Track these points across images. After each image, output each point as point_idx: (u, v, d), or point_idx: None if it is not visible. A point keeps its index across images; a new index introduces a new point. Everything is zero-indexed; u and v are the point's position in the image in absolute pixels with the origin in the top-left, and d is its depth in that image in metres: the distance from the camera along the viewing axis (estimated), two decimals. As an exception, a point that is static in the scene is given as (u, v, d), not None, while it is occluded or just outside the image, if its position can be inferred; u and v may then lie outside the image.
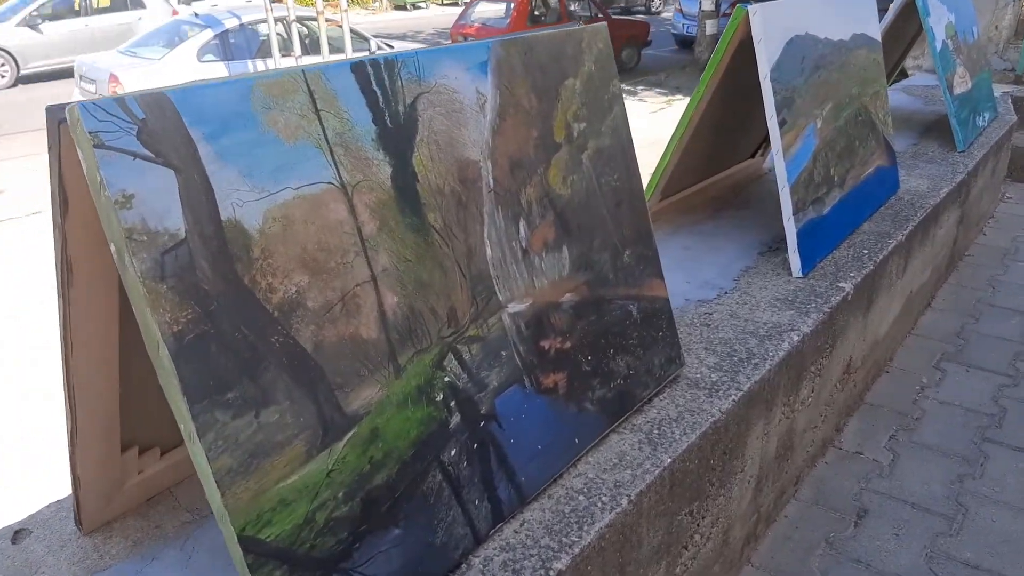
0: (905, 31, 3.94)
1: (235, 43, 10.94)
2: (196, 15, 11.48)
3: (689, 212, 2.78)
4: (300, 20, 10.41)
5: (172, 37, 10.80)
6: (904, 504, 2.22)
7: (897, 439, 2.50)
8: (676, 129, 2.40)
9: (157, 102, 0.94)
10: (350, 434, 1.09)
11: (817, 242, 2.38)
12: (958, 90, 3.74)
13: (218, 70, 10.43)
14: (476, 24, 15.07)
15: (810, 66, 2.39)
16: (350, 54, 9.84)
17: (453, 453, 1.23)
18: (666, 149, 2.44)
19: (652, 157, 2.48)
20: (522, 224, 1.41)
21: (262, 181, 1.02)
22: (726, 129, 2.71)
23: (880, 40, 2.91)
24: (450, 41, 15.49)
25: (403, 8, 28.62)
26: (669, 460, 1.50)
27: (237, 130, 1.00)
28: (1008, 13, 5.48)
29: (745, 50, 2.22)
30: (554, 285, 1.47)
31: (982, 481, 2.30)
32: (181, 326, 0.93)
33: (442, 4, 29.54)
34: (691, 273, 2.33)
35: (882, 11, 3.21)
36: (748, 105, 2.52)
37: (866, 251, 2.48)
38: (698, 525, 1.70)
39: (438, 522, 1.20)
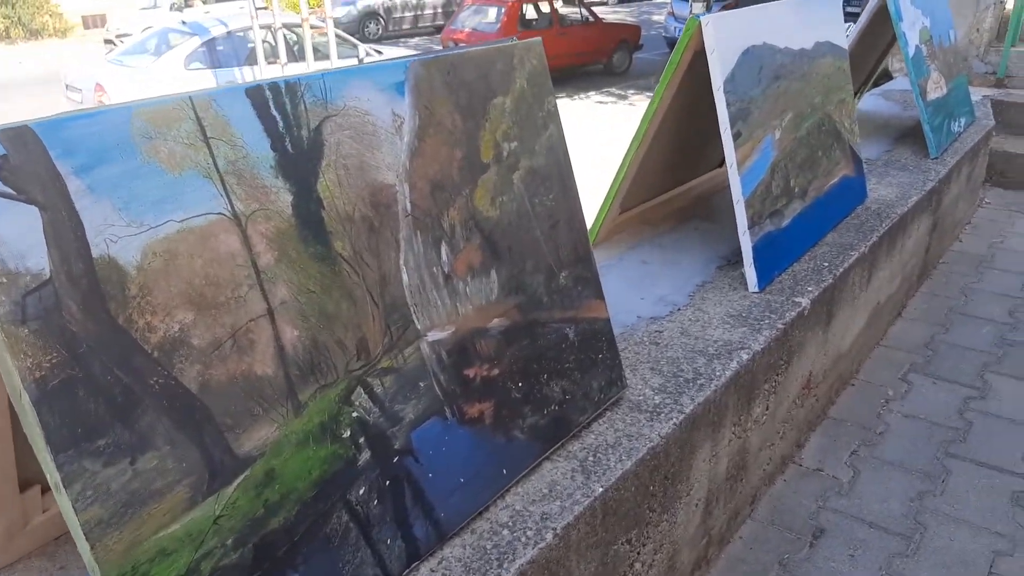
0: (881, 36, 3.89)
1: (222, 51, 10.88)
2: (184, 23, 11.42)
3: (651, 225, 2.73)
4: (287, 27, 10.36)
5: (160, 45, 10.75)
6: (862, 523, 2.17)
7: (859, 455, 2.46)
8: (632, 141, 2.36)
9: (19, 136, 0.89)
10: (241, 477, 1.04)
11: (775, 256, 2.34)
12: (932, 96, 3.70)
13: (206, 78, 10.38)
14: (467, 30, 15.03)
15: (768, 76, 2.35)
16: (335, 61, 9.80)
17: (362, 492, 1.19)
18: (622, 161, 2.40)
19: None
20: (444, 248, 1.37)
21: (141, 215, 0.98)
22: (689, 139, 2.67)
23: (846, 48, 2.87)
24: (441, 47, 15.46)
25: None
26: (601, 489, 1.46)
27: (112, 162, 0.96)
28: (989, 16, 5.45)
29: (701, 61, 2.18)
30: (481, 310, 1.43)
31: (943, 498, 2.26)
32: (44, 371, 0.88)
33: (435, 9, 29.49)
34: (646, 289, 2.28)
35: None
36: (710, 115, 2.47)
37: (826, 264, 2.44)
38: (638, 553, 1.66)
39: (344, 564, 1.15)
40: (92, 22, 23.37)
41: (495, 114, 1.49)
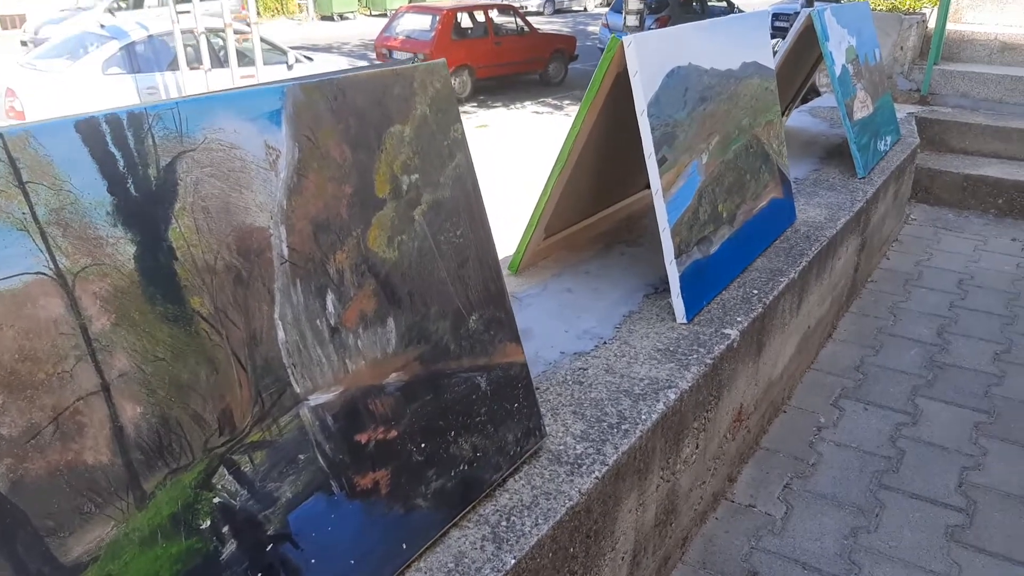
0: (808, 53, 3.88)
1: (143, 55, 10.45)
2: (102, 26, 10.94)
3: (577, 250, 2.62)
4: (212, 32, 9.99)
5: (77, 48, 10.26)
6: (795, 564, 2.09)
7: (791, 488, 2.38)
8: (555, 164, 2.23)
9: None
10: (64, 591, 0.87)
11: (704, 284, 2.24)
12: (858, 115, 3.70)
13: (125, 83, 9.96)
14: (400, 37, 14.82)
15: (694, 98, 2.26)
16: (261, 68, 9.49)
17: (225, 589, 1.02)
18: (545, 185, 2.27)
19: (532, 194, 2.32)
20: (330, 298, 1.21)
21: (-73, 280, 0.79)
22: (615, 161, 2.56)
23: (774, 68, 2.82)
24: (375, 54, 15.21)
25: (329, 19, 28.15)
26: (514, 560, 1.32)
27: None
28: (912, 34, 5.54)
29: (624, 82, 2.07)
30: (375, 365, 1.27)
31: (877, 535, 2.18)
32: None
33: (370, 15, 29.15)
34: (571, 321, 2.16)
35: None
36: (635, 136, 2.37)
37: (756, 291, 2.36)
38: (558, 621, 1.52)
39: None
40: (10, 22, 22.37)
41: (392, 144, 1.34)
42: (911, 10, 5.60)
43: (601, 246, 2.64)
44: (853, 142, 3.56)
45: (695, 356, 1.98)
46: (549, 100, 13.40)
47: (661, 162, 2.07)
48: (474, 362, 1.47)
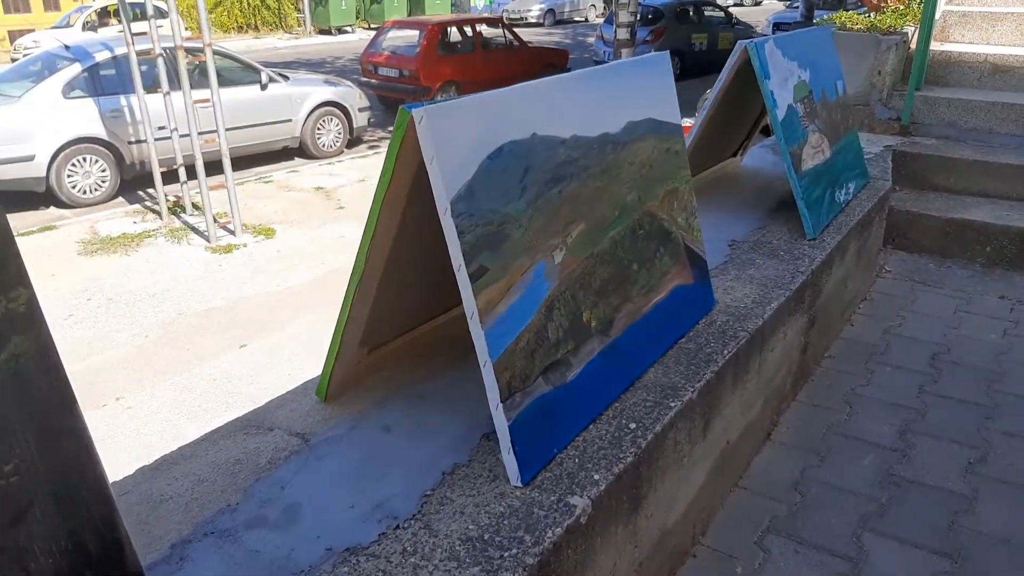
0: (753, 94, 3.33)
1: (108, 77, 10.05)
2: (67, 47, 10.53)
3: (418, 362, 2.07)
4: (169, 51, 9.53)
5: (42, 71, 9.88)
6: None
7: None
8: (352, 273, 1.70)
9: None
10: None
11: (554, 427, 1.70)
12: (809, 164, 3.14)
13: (87, 107, 9.55)
14: (386, 53, 14.41)
15: (540, 180, 1.71)
16: (215, 89, 9.01)
17: None
18: (348, 285, 1.73)
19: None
20: None
21: None
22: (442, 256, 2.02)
23: (678, 121, 2.27)
24: (360, 70, 14.78)
25: (328, 32, 27.85)
26: None
27: None
28: (892, 56, 4.97)
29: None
30: None
31: None
32: None
33: (369, 28, 28.76)
34: (368, 486, 1.61)
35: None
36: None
37: (634, 424, 1.81)
38: None
39: None
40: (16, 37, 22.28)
41: None
42: (891, 29, 5.03)
43: (451, 356, 2.09)
44: (800, 198, 3.00)
45: (515, 550, 1.43)
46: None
47: (478, 275, 1.53)
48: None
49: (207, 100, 9.16)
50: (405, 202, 1.63)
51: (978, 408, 2.86)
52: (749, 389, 2.40)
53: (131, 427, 4.46)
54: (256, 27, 28.05)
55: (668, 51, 2.36)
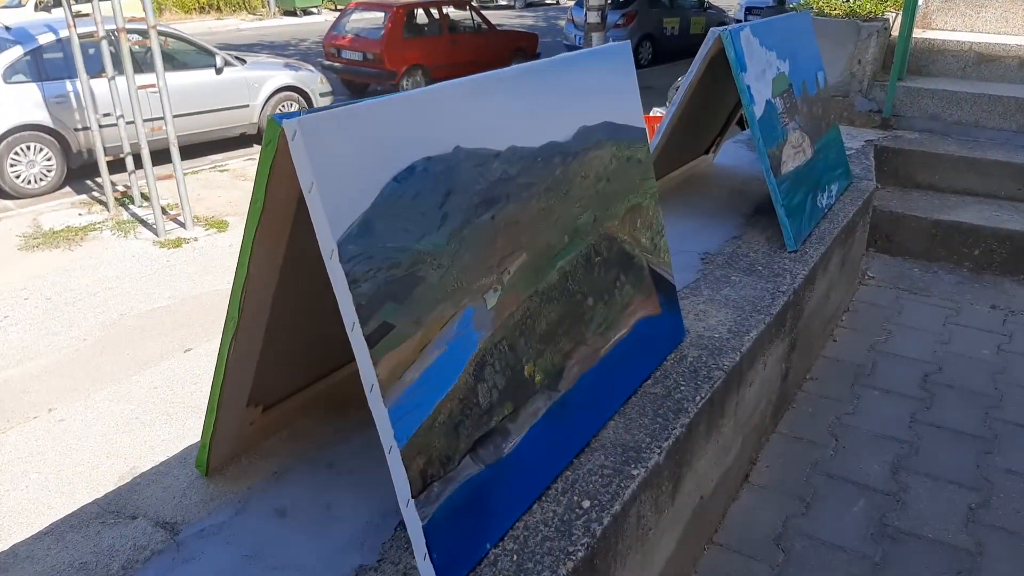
0: (727, 84, 2.99)
1: (52, 60, 9.48)
2: (7, 28, 9.92)
3: (328, 419, 1.71)
4: (114, 34, 8.99)
5: None
6: None
7: None
8: (227, 317, 1.33)
9: None
10: None
11: (485, 518, 1.35)
12: (790, 165, 2.82)
13: (30, 91, 9.00)
14: (349, 35, 13.90)
15: (467, 204, 1.36)
16: (161, 74, 8.49)
17: None
18: (220, 348, 1.37)
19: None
20: None
21: None
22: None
23: (642, 124, 1.92)
24: (323, 54, 14.24)
25: (292, 14, 27.09)
26: None
27: None
28: (873, 44, 4.67)
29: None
30: None
31: None
32: None
33: (335, 9, 28.00)
34: (242, 599, 1.26)
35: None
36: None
37: (588, 503, 1.47)
38: None
39: None
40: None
41: None
42: (871, 16, 4.72)
43: (365, 411, 1.73)
44: (780, 205, 2.68)
45: None
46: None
47: (379, 335, 1.17)
48: None
49: (153, 85, 8.66)
50: (288, 235, 1.27)
51: (976, 441, 2.57)
52: (725, 434, 2.08)
53: (62, 443, 4.04)
54: (219, 7, 27.21)
55: (629, 41, 2.02)
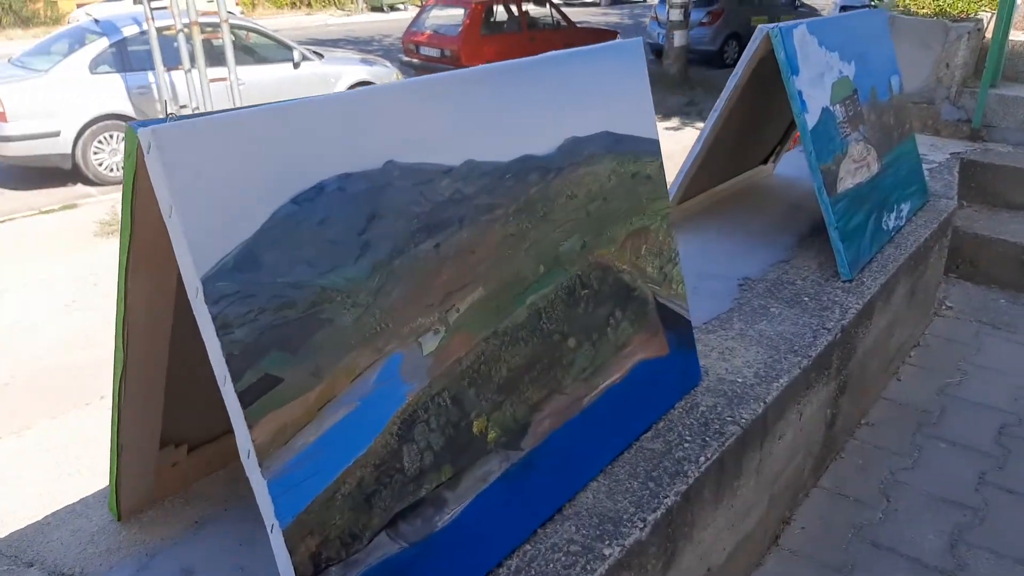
0: (782, 88, 2.67)
1: (135, 52, 9.75)
2: (96, 21, 10.27)
3: (234, 490, 1.52)
4: (191, 27, 9.15)
5: (72, 45, 9.63)
6: None
7: None
8: (114, 358, 1.15)
9: None
10: None
11: (403, 607, 1.12)
12: (849, 182, 2.48)
13: (114, 82, 9.27)
14: (428, 31, 13.91)
15: (401, 231, 1.13)
16: (232, 67, 8.59)
17: None
18: (112, 389, 1.19)
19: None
20: None
21: None
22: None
23: (654, 135, 1.65)
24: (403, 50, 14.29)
25: (379, 10, 27.45)
26: None
27: None
28: (963, 47, 4.20)
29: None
30: None
31: None
32: None
33: (421, 5, 28.22)
34: None
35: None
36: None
37: (543, 590, 1.23)
38: None
39: None
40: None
41: None
42: (962, 15, 4.26)
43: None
44: (834, 227, 2.35)
45: None
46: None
47: (259, 391, 0.96)
48: None
49: (225, 79, 8.77)
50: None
51: (1058, 512, 2.19)
52: (743, 495, 1.79)
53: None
54: (309, 3, 27.82)
55: (641, 38, 1.75)
